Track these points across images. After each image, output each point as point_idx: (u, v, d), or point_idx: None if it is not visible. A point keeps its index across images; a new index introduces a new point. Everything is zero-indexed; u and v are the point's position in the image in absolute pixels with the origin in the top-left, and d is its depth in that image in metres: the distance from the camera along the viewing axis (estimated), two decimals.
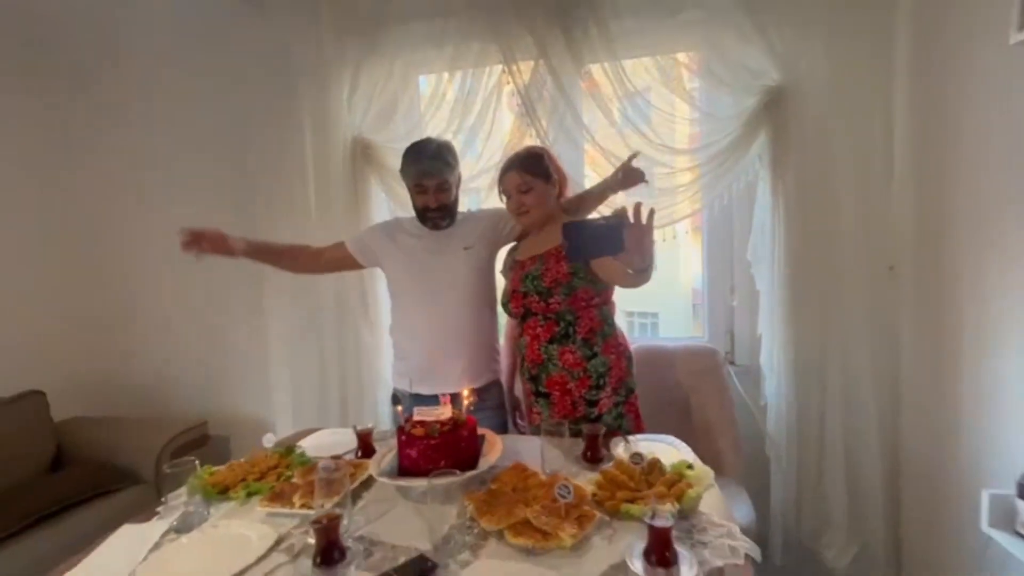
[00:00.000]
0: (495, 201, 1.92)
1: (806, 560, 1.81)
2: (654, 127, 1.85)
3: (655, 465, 1.10)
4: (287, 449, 1.36)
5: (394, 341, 1.70)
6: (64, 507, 1.88)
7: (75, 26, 2.33)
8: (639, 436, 1.37)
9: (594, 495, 1.03)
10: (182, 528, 1.05)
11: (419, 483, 1.04)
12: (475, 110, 1.97)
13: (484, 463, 1.12)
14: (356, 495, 1.13)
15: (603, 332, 1.46)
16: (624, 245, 1.11)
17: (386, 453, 1.21)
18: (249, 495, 1.14)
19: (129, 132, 2.39)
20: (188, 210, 2.33)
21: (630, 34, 1.81)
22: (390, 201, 2.11)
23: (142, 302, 2.52)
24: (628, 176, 1.54)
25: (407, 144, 1.90)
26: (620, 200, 1.65)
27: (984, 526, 1.14)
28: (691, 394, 1.91)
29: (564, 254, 1.40)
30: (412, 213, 1.65)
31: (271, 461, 1.29)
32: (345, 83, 2.04)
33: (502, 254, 1.69)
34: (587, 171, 2.00)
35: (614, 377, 1.45)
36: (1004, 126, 1.26)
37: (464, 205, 1.91)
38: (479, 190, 2.03)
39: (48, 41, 2.35)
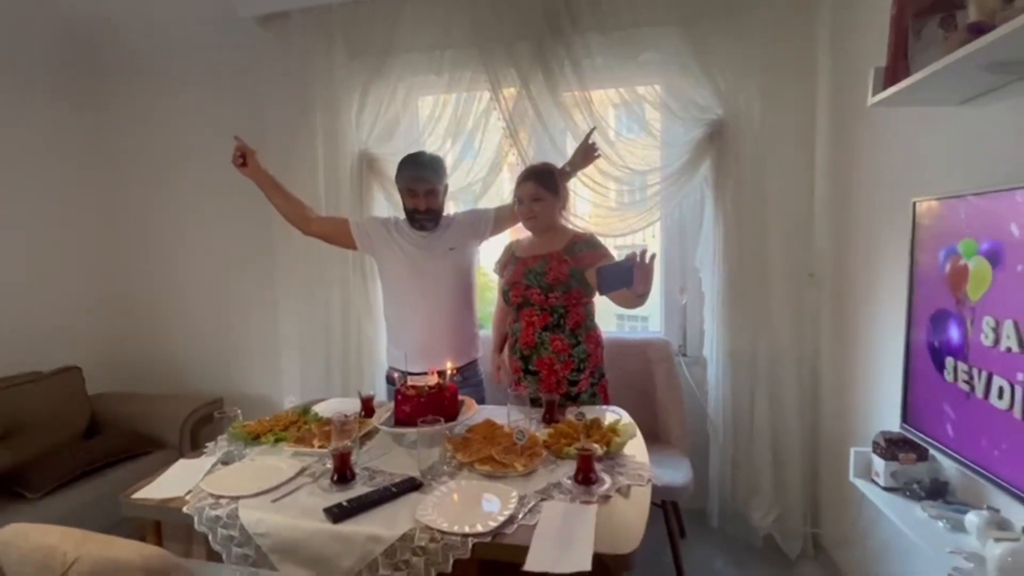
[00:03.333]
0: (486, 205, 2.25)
1: (738, 522, 2.14)
2: (618, 151, 2.16)
3: (595, 422, 1.41)
4: (304, 409, 1.66)
5: (388, 327, 2.02)
6: (99, 467, 2.18)
7: (110, 37, 2.65)
8: (596, 407, 1.68)
9: (545, 442, 1.34)
10: (227, 461, 1.35)
11: (411, 431, 1.35)
12: (467, 129, 2.28)
13: (462, 417, 1.44)
14: (361, 442, 1.44)
15: (587, 326, 1.78)
16: (633, 280, 1.51)
17: (384, 412, 1.52)
18: (277, 441, 1.44)
19: (160, 133, 2.70)
20: (211, 207, 2.67)
21: (599, 70, 2.12)
22: (390, 206, 2.41)
23: (166, 290, 2.82)
24: (587, 153, 1.90)
25: None
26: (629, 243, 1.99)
27: (851, 477, 1.46)
28: (647, 379, 2.22)
29: (571, 269, 1.74)
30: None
31: (291, 418, 1.60)
32: (354, 103, 2.35)
33: (495, 251, 2.01)
34: None
35: (592, 363, 1.77)
36: (872, 175, 1.59)
37: (457, 209, 2.23)
38: (467, 202, 2.34)
39: (84, 50, 2.66)
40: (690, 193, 2.16)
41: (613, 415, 1.58)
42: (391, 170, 2.31)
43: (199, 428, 2.56)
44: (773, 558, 2.05)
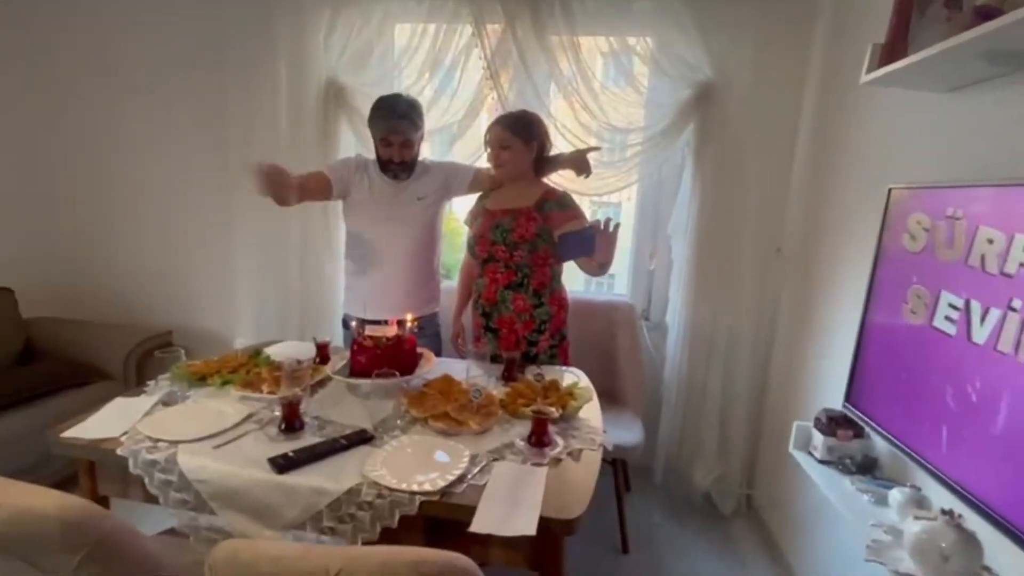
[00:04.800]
0: (459, 151, 2.15)
1: (681, 480, 2.24)
2: (601, 104, 2.07)
3: (553, 384, 1.41)
4: (255, 351, 1.60)
5: (348, 271, 1.93)
6: (31, 396, 2.07)
7: None
8: (555, 368, 1.69)
9: (501, 401, 1.34)
10: (169, 402, 1.29)
11: (365, 382, 1.32)
12: (445, 65, 2.13)
13: (420, 371, 1.41)
14: (314, 389, 1.40)
15: (551, 287, 1.75)
16: (594, 249, 1.55)
17: (340, 361, 1.48)
18: (223, 383, 1.39)
19: (111, 60, 2.44)
20: (167, 133, 2.45)
21: (590, 15, 1.99)
22: (358, 143, 2.27)
23: (119, 215, 2.62)
24: (579, 165, 1.81)
25: (379, 90, 2.07)
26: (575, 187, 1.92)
27: (790, 448, 1.53)
28: (610, 340, 2.24)
29: (539, 227, 1.68)
30: (369, 155, 1.85)
31: (240, 360, 1.54)
32: (323, 23, 2.14)
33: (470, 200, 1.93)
34: None
35: (553, 325, 1.76)
36: (852, 157, 1.57)
37: (432, 150, 2.12)
38: (443, 142, 2.22)
39: None
40: (670, 157, 2.11)
41: (571, 377, 1.59)
42: (362, 105, 2.17)
43: (146, 361, 2.46)
44: (709, 514, 2.18)
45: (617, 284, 2.60)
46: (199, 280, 2.63)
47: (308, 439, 1.15)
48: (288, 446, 1.10)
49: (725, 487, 2.18)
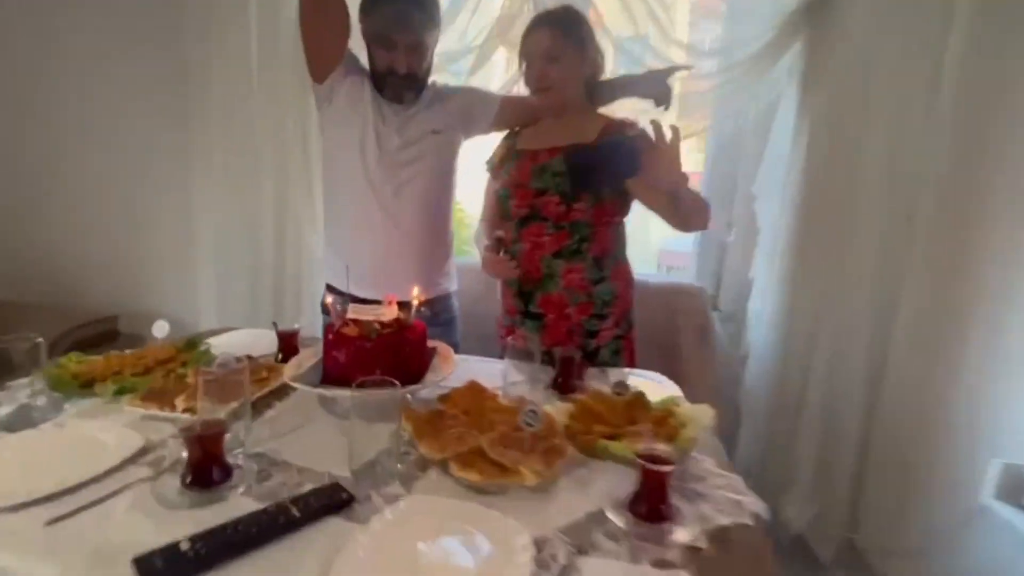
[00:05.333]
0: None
1: None
2: (673, 19, 1.55)
3: (640, 399, 0.90)
4: (188, 342, 1.09)
5: (329, 226, 1.41)
6: None
7: None
8: (623, 371, 1.17)
9: (567, 427, 0.82)
10: (15, 424, 0.78)
11: (344, 393, 0.80)
12: None
13: (432, 378, 0.89)
14: (265, 404, 0.89)
15: (615, 254, 1.25)
16: (639, 166, 1.07)
17: (310, 357, 0.97)
18: (120, 392, 0.88)
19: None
20: (110, 71, 1.95)
21: None
22: None
23: (52, 176, 2.11)
24: (659, 92, 1.26)
25: None
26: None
27: (987, 497, 1.02)
28: (671, 335, 1.73)
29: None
30: None
31: (164, 354, 1.03)
32: None
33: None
34: None
35: (619, 307, 1.25)
36: None
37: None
38: (459, 74, 1.70)
39: None
40: (762, 92, 1.58)
41: (654, 384, 1.08)
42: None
43: (84, 351, 1.96)
44: (803, 561, 1.67)
45: (674, 260, 2.08)
46: (154, 256, 2.12)
47: (234, 503, 0.64)
48: (191, 520, 0.59)
49: (824, 528, 1.67)
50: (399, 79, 1.24)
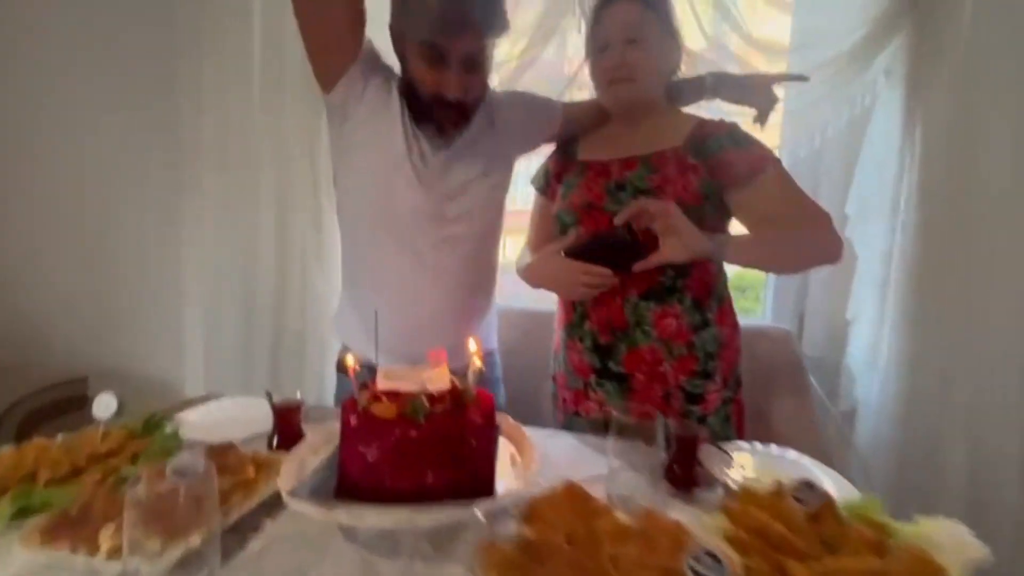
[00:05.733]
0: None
1: None
2: (740, 8, 1.33)
3: (830, 509, 0.58)
4: (147, 422, 0.78)
5: (346, 279, 1.09)
6: None
7: None
8: (736, 444, 0.86)
9: (748, 567, 0.50)
10: None
11: (378, 518, 0.49)
12: None
13: (511, 482, 0.58)
14: (249, 526, 0.58)
15: (718, 291, 0.96)
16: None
17: (319, 447, 0.65)
18: (22, 514, 0.56)
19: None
20: (91, 91, 1.69)
21: None
22: None
23: (11, 204, 1.83)
24: (763, 99, 1.01)
25: None
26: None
27: None
28: (758, 390, 1.41)
29: (704, 182, 0.91)
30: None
31: (110, 443, 0.71)
32: None
33: None
34: None
35: (726, 360, 0.95)
36: None
37: None
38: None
39: None
40: (854, 98, 1.34)
41: (790, 464, 0.77)
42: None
43: (43, 422, 1.64)
44: None
45: (746, 299, 1.79)
46: (132, 306, 1.82)
47: None
48: None
49: None
50: (448, 107, 0.89)
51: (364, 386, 0.61)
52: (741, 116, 1.05)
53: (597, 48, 0.94)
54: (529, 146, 1.12)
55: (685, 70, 1.05)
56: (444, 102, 0.88)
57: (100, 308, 1.81)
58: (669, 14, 0.94)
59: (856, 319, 1.41)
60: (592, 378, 0.96)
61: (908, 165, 1.27)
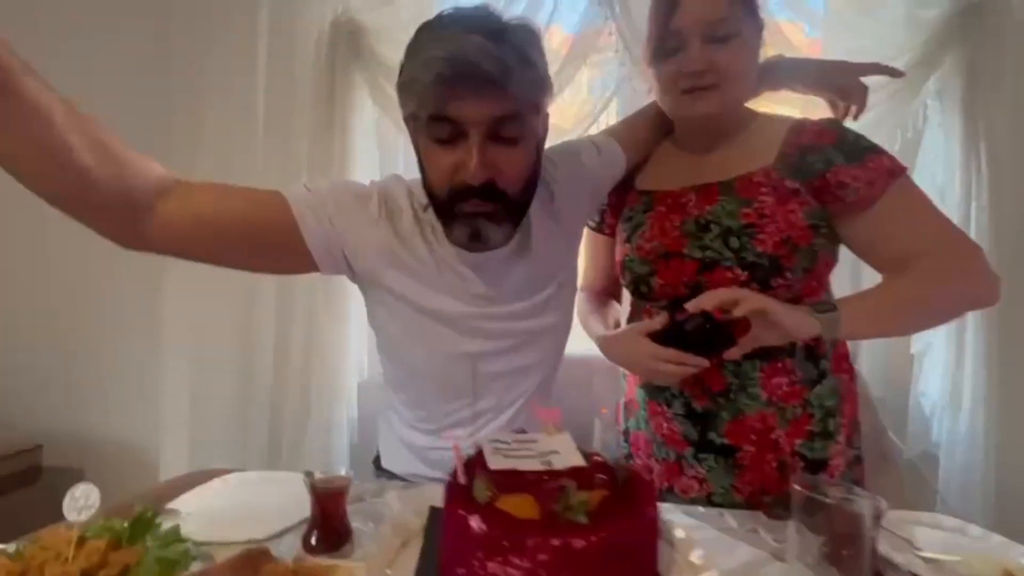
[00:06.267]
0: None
1: None
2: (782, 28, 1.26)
3: None
4: (138, 523, 0.57)
5: (400, 422, 0.86)
6: None
7: None
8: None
9: None
10: None
11: None
12: None
13: None
14: None
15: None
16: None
17: (397, 551, 0.47)
18: None
19: None
20: None
21: None
22: (382, 121, 1.40)
23: None
24: (851, 83, 0.86)
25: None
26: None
27: None
28: None
29: (810, 212, 0.75)
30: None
31: (93, 554, 0.51)
32: None
33: None
34: None
35: (848, 414, 0.79)
36: None
37: None
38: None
39: None
40: (907, 120, 1.28)
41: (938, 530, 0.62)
42: (388, 53, 1.33)
43: None
44: None
45: None
46: (97, 358, 1.57)
47: None
48: None
49: None
50: (473, 200, 0.66)
51: (471, 467, 0.43)
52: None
53: (667, 49, 0.76)
54: (596, 207, 0.92)
55: None
56: (464, 191, 0.65)
57: (64, 372, 1.56)
58: (756, 4, 0.78)
59: (924, 353, 1.30)
60: (688, 451, 0.79)
61: (975, 191, 1.19)
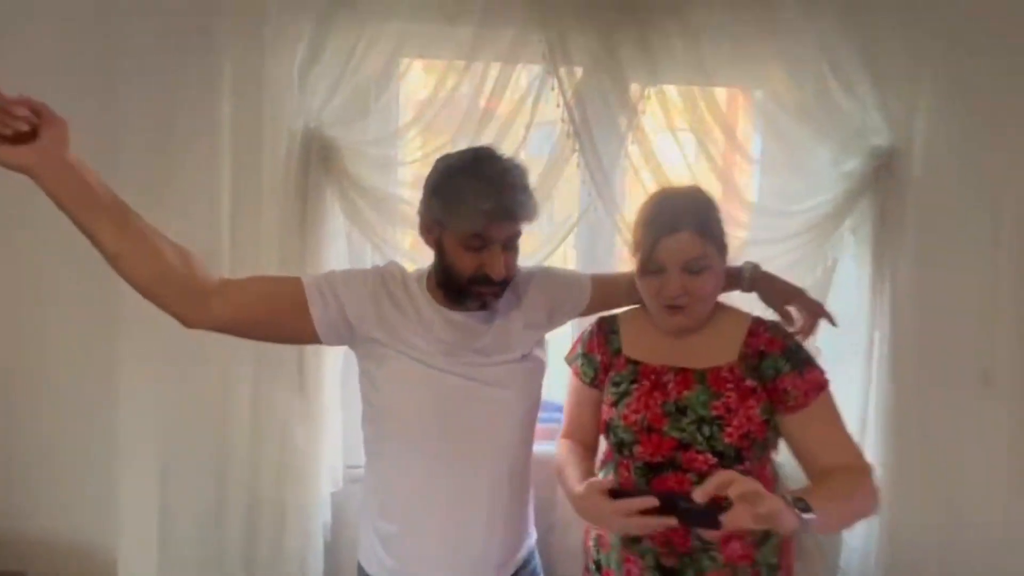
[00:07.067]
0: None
1: None
2: (720, 173, 1.42)
3: None
4: None
5: (379, 514, 0.97)
6: None
7: None
8: None
9: None
10: None
11: None
12: (499, 120, 1.38)
13: None
14: None
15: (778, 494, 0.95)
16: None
17: None
18: None
19: None
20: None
21: (718, 55, 1.37)
22: (352, 230, 1.42)
23: None
24: (809, 318, 1.04)
25: (383, 150, 1.36)
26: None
27: None
28: None
29: (766, 407, 0.91)
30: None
31: None
32: (298, 48, 1.33)
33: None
34: None
35: (785, 566, 0.96)
36: None
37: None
38: None
39: None
40: (827, 252, 1.47)
41: None
42: (361, 172, 1.34)
43: None
44: None
45: None
46: (43, 446, 1.44)
47: None
48: None
49: None
50: (490, 286, 0.90)
51: None
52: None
53: (651, 269, 0.92)
54: (556, 324, 1.09)
55: None
56: (487, 282, 0.89)
57: (7, 460, 1.44)
58: (723, 235, 0.95)
59: None
60: None
61: (878, 320, 1.41)
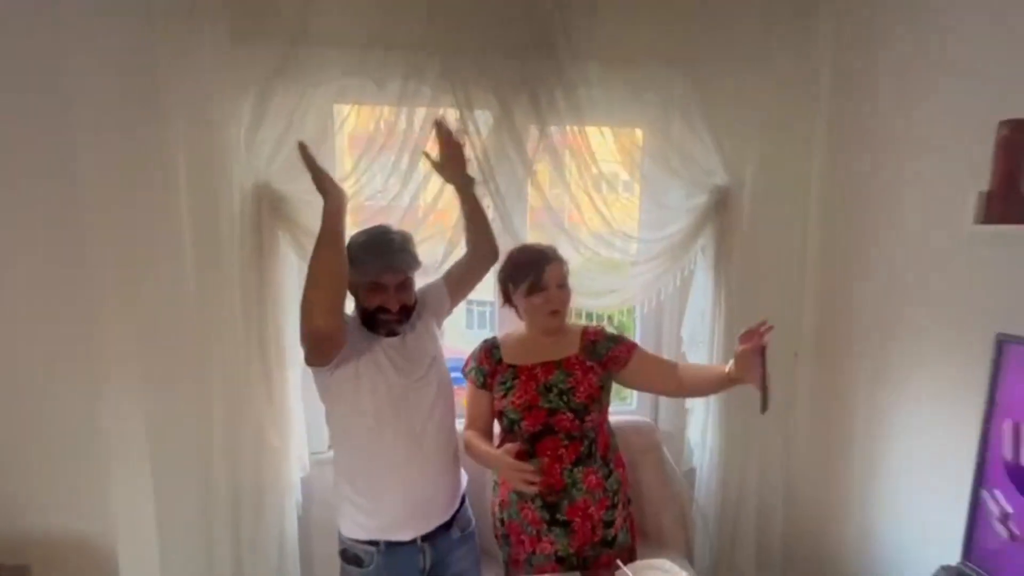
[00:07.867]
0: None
1: None
2: (609, 207, 1.80)
3: None
4: None
5: (352, 489, 1.35)
6: None
7: None
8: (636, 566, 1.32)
9: None
10: None
11: None
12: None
13: None
14: None
15: (613, 445, 1.46)
16: None
17: None
18: None
19: None
20: None
21: (596, 103, 1.71)
22: (302, 267, 1.68)
23: None
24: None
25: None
26: None
27: None
28: (631, 470, 1.94)
29: (602, 378, 1.40)
30: None
31: None
32: (245, 114, 1.56)
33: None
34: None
35: (623, 490, 1.45)
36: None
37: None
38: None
39: None
40: (685, 266, 1.91)
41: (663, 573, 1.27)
42: (309, 221, 1.61)
43: None
44: None
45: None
46: (41, 442, 1.47)
47: None
48: None
49: None
50: (393, 316, 1.31)
51: None
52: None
53: (536, 290, 1.36)
54: (442, 316, 1.52)
55: None
56: (387, 312, 1.30)
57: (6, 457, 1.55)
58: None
59: (692, 408, 2.02)
60: (544, 527, 1.38)
61: (717, 313, 1.88)
